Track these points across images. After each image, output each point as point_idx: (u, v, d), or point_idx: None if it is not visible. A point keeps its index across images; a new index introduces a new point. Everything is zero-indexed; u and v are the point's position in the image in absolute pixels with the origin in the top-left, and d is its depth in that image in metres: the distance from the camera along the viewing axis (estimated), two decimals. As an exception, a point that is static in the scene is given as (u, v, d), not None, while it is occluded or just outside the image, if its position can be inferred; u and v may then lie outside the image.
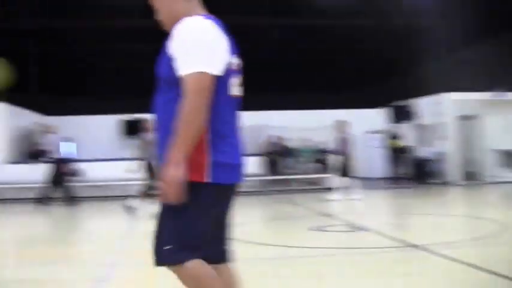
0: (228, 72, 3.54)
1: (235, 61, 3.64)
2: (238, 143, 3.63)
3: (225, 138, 3.53)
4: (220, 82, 3.48)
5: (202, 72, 3.35)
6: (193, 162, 3.39)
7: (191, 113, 3.32)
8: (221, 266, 3.70)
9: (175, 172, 3.31)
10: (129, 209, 13.00)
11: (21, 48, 21.81)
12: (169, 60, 3.44)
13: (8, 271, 7.68)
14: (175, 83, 3.42)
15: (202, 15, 3.59)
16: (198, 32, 3.42)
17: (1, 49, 12.91)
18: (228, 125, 3.59)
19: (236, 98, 3.66)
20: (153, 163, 12.44)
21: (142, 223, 11.53)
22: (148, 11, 3.93)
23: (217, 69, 3.44)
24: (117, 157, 19.44)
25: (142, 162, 13.01)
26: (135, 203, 12.99)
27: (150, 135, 12.45)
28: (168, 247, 3.47)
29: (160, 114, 3.56)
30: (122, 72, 23.87)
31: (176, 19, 3.52)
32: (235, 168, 3.58)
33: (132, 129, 21.57)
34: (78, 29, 22.61)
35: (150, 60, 4.77)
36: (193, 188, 3.39)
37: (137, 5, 16.83)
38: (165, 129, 3.47)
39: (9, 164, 19.32)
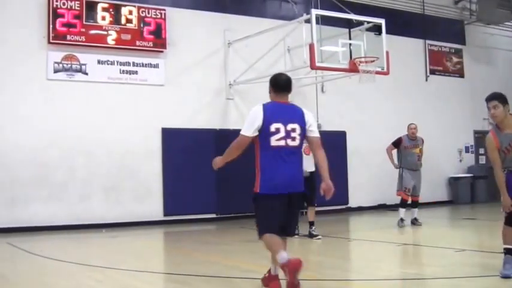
0: (267, 132, 6.18)
1: (278, 125, 6.19)
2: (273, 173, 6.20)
3: (264, 170, 6.24)
4: (261, 139, 6.23)
5: (241, 134, 6.26)
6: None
7: (230, 150, 6.39)
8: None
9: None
10: None
11: None
12: None
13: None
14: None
15: (268, 103, 6.42)
16: (250, 114, 6.30)
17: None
18: (267, 163, 6.21)
19: (277, 147, 6.21)
20: None
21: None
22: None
23: (250, 133, 6.21)
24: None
25: None
26: None
27: None
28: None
29: None
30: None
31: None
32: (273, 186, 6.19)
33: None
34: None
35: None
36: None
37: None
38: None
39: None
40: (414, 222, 13.47)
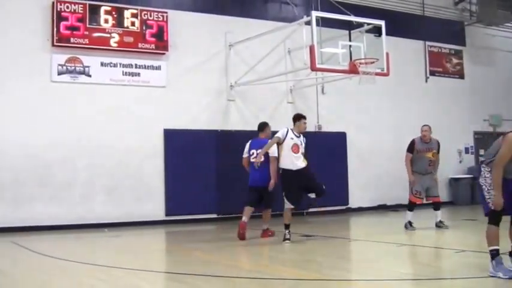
0: (249, 154, 12.04)
1: (253, 150, 11.89)
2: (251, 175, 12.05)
3: (250, 174, 12.17)
4: (248, 157, 12.13)
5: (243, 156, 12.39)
6: None
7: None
8: None
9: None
10: None
11: None
12: None
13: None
14: None
15: (253, 138, 12.31)
16: (246, 145, 12.33)
17: None
18: (250, 170, 12.07)
19: (253, 162, 11.85)
20: None
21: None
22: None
23: (243, 154, 12.21)
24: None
25: None
26: None
27: None
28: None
29: None
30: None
31: None
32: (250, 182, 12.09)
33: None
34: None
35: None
36: None
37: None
38: None
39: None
40: (440, 225, 12.71)
